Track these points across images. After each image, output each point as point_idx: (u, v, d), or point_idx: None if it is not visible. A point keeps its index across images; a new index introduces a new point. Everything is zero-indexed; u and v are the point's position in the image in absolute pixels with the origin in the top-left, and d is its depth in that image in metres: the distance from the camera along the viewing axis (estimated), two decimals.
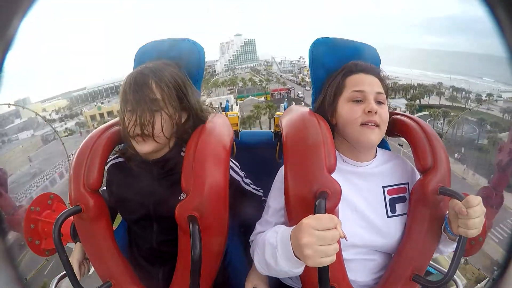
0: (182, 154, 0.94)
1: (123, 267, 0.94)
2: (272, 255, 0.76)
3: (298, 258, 0.70)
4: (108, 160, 1.01)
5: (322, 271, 0.67)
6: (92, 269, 1.03)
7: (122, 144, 1.03)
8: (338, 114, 0.95)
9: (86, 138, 0.98)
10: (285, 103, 1.62)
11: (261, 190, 1.13)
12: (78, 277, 0.99)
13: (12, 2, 0.48)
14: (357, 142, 0.91)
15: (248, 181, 1.09)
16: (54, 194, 1.47)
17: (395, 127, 1.02)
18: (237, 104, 42.26)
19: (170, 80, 0.92)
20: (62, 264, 0.86)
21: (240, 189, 1.05)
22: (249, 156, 1.23)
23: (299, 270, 0.75)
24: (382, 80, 0.98)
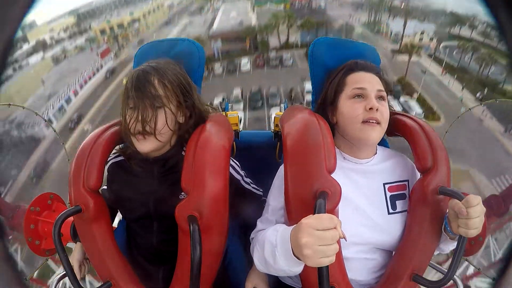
0: (183, 153, 0.94)
1: (123, 267, 0.94)
2: (271, 253, 0.77)
3: (297, 257, 0.70)
4: (109, 159, 1.01)
5: (322, 271, 0.67)
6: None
7: (122, 144, 1.03)
8: (338, 112, 0.96)
9: (86, 138, 0.98)
10: (285, 103, 1.62)
11: (261, 190, 1.14)
12: (78, 277, 0.99)
13: (12, 2, 0.48)
14: (358, 139, 0.91)
15: (248, 180, 1.09)
16: (54, 194, 1.47)
17: (395, 127, 1.02)
18: (254, 11, 39.25)
19: (172, 77, 0.93)
20: (62, 264, 0.86)
21: (240, 188, 1.05)
22: (249, 156, 1.23)
23: (298, 269, 0.75)
24: (382, 78, 0.98)
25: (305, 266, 0.70)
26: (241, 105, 22.41)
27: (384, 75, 1.00)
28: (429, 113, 20.14)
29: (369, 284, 0.94)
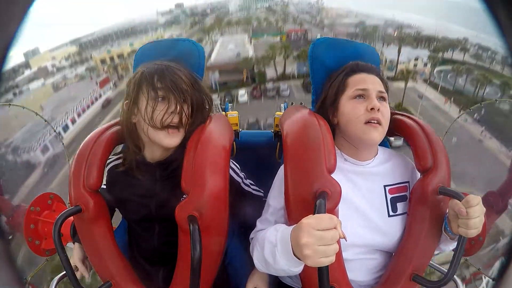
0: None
1: (123, 267, 0.94)
2: (271, 253, 0.77)
3: (297, 257, 0.70)
4: (109, 161, 1.01)
5: (322, 271, 0.67)
6: None
7: (122, 145, 1.03)
8: (340, 113, 0.95)
9: (86, 138, 0.98)
10: (285, 103, 1.62)
11: (262, 191, 1.13)
12: (86, 274, 0.99)
13: (12, 2, 0.48)
14: (360, 140, 0.91)
15: (248, 182, 1.09)
16: (54, 194, 1.48)
17: (395, 127, 1.02)
18: (251, 43, 41.12)
19: (188, 73, 0.95)
20: (62, 264, 0.86)
21: (240, 190, 1.05)
22: (249, 156, 1.23)
23: (298, 269, 0.75)
24: (383, 79, 0.98)
25: (305, 266, 0.70)
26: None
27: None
28: None
29: (369, 285, 0.94)
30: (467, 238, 0.78)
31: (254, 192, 1.10)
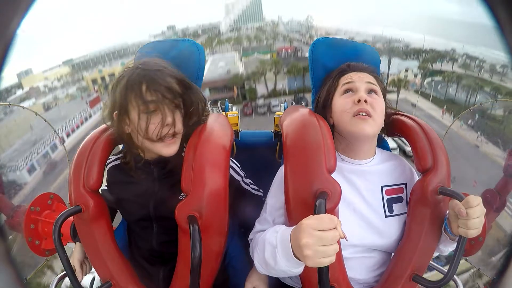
0: (183, 154, 0.94)
1: (123, 267, 0.94)
2: (271, 254, 0.76)
3: (297, 258, 0.70)
4: (108, 161, 1.01)
5: (322, 271, 0.67)
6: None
7: (122, 145, 1.03)
8: (333, 112, 0.96)
9: (86, 138, 0.98)
10: (285, 103, 1.62)
11: (261, 191, 1.13)
12: (80, 277, 0.99)
13: (12, 2, 0.48)
14: (352, 134, 0.91)
15: (248, 181, 1.09)
16: (54, 194, 1.48)
17: (395, 127, 1.02)
18: (241, 61, 41.35)
19: (178, 74, 0.91)
20: (62, 264, 0.86)
21: (240, 189, 1.05)
22: (249, 156, 1.23)
23: (299, 270, 0.75)
24: (377, 77, 0.98)
25: (305, 266, 0.70)
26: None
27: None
28: None
29: (368, 283, 0.94)
30: (467, 239, 0.78)
31: (253, 191, 1.10)
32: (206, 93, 31.60)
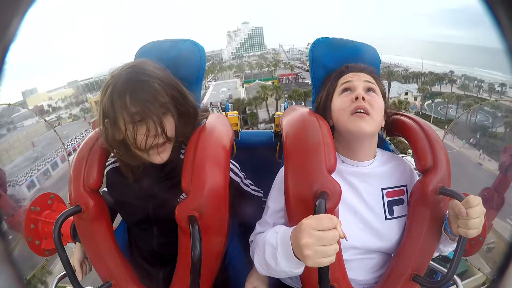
0: (182, 156, 0.94)
1: (123, 267, 0.94)
2: (272, 255, 0.76)
3: (298, 258, 0.70)
4: (107, 164, 1.00)
5: (322, 271, 0.67)
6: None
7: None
8: (332, 112, 0.96)
9: (86, 139, 0.98)
10: (285, 103, 1.62)
11: (261, 191, 1.13)
12: (80, 277, 0.99)
13: (12, 2, 0.48)
14: (350, 132, 0.90)
15: (247, 182, 1.09)
16: (54, 194, 1.48)
17: (395, 127, 1.02)
18: (243, 87, 42.33)
19: (167, 79, 0.88)
20: (62, 264, 0.86)
21: (239, 190, 1.04)
22: (249, 156, 1.23)
23: (299, 270, 0.75)
24: (376, 78, 0.98)
25: (305, 266, 0.70)
26: None
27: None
28: None
29: (369, 284, 0.94)
30: (467, 239, 0.78)
31: (253, 192, 1.10)
32: None
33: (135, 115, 0.82)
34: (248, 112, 35.26)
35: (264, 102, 35.85)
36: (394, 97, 32.99)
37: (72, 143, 28.01)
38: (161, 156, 0.87)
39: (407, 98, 33.61)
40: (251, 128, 31.52)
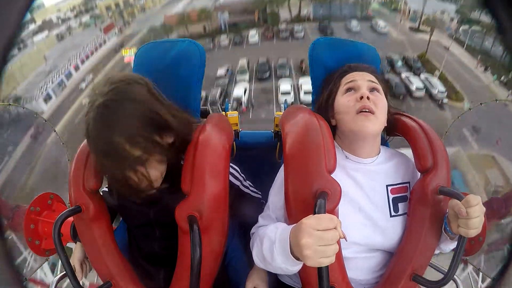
0: (182, 162, 0.91)
1: (123, 267, 0.94)
2: (269, 249, 0.77)
3: (296, 257, 0.70)
4: None
5: (322, 271, 0.67)
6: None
7: None
8: (335, 112, 0.96)
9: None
10: (285, 103, 1.62)
11: (260, 193, 1.13)
12: (80, 277, 0.99)
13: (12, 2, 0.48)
14: (355, 132, 0.90)
15: (247, 183, 1.08)
16: (54, 194, 1.47)
17: (395, 127, 1.02)
18: None
19: (140, 121, 0.75)
20: (62, 264, 0.86)
21: (239, 192, 1.04)
22: (249, 156, 1.23)
23: (295, 268, 0.75)
24: (378, 77, 0.98)
25: (305, 266, 0.70)
26: (247, 76, 21.48)
27: (382, 75, 1.00)
28: (452, 92, 18.87)
29: (369, 284, 0.94)
30: (467, 238, 0.78)
31: (252, 193, 1.10)
32: (226, 15, 29.76)
33: (108, 170, 0.79)
34: (268, 11, 31.74)
35: (287, 2, 32.05)
36: (429, 14, 29.10)
37: (85, 51, 26.70)
38: (143, 199, 0.86)
39: (443, 18, 29.24)
40: (271, 28, 28.80)
